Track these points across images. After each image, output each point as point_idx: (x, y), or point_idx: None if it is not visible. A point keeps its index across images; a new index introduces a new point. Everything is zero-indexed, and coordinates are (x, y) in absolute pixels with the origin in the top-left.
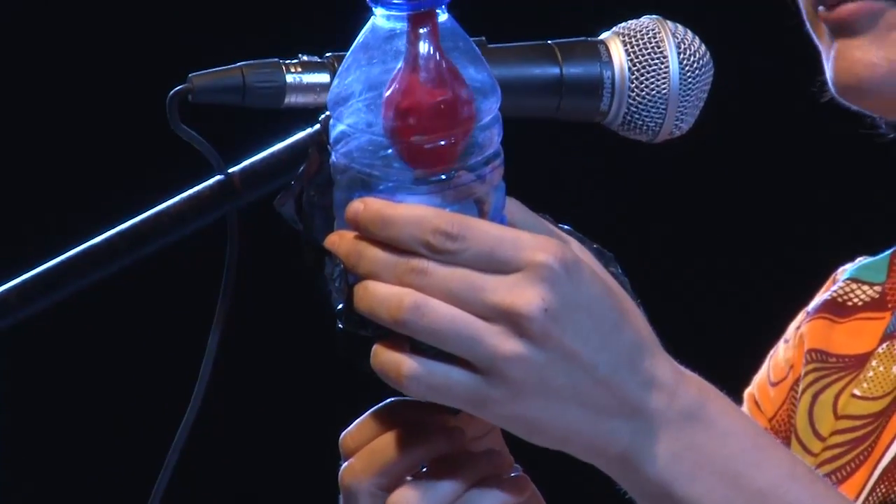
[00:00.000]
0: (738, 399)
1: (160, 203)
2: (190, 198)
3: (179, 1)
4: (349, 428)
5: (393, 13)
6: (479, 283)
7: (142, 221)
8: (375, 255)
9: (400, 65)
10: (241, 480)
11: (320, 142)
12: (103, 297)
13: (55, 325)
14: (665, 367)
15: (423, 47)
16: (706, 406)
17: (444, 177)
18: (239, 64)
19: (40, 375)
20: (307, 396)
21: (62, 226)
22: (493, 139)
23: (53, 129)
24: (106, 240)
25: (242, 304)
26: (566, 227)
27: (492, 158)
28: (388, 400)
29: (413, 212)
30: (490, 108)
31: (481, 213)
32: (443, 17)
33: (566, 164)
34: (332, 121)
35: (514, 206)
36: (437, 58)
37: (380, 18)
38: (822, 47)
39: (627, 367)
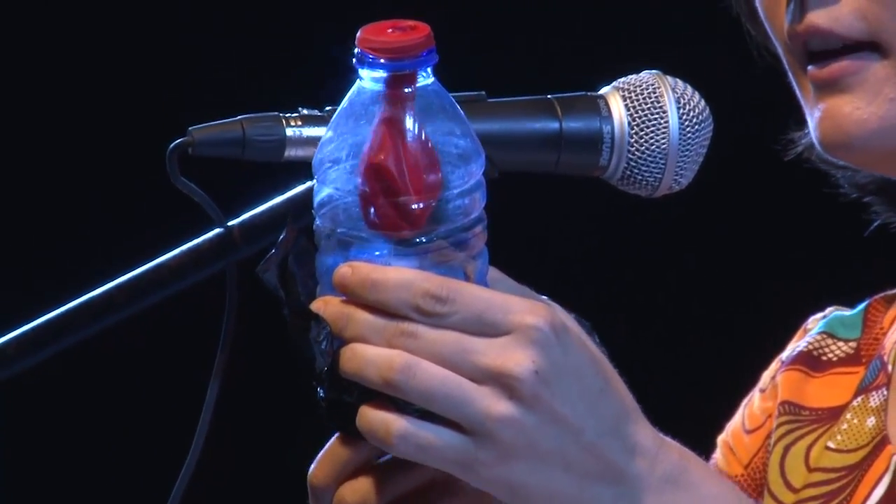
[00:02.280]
0: (712, 445)
1: (160, 256)
2: (189, 251)
3: (180, 52)
4: (314, 465)
5: (377, 73)
6: (470, 346)
7: (141, 274)
8: (364, 319)
9: (375, 127)
10: None
11: (295, 212)
12: (102, 349)
13: (52, 378)
14: (647, 433)
15: (398, 109)
16: (687, 471)
17: (428, 240)
18: (239, 117)
19: (39, 430)
20: (305, 449)
21: (61, 278)
22: (476, 204)
23: (53, 181)
24: (105, 292)
25: (241, 356)
26: (544, 297)
27: (475, 223)
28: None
29: (402, 275)
30: (472, 174)
31: (466, 279)
32: (428, 80)
33: (536, 223)
34: (316, 185)
35: (495, 274)
36: (409, 123)
37: (366, 80)
38: (806, 105)
39: (612, 433)
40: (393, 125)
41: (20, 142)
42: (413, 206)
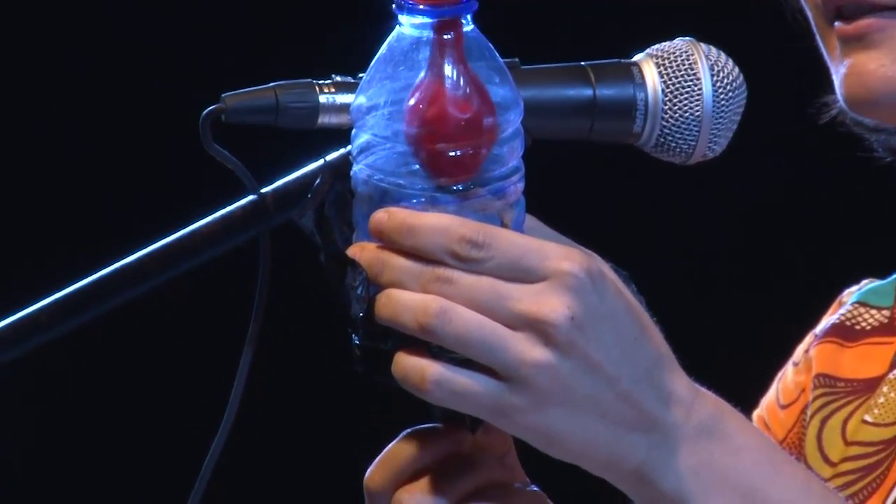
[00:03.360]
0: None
1: (192, 223)
2: (222, 218)
3: (212, 22)
4: (370, 469)
5: (417, 20)
6: (505, 292)
7: (173, 241)
8: (400, 264)
9: (423, 73)
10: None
11: (333, 164)
12: (135, 317)
13: (85, 346)
14: (682, 382)
15: (448, 56)
16: (722, 421)
17: (465, 187)
18: (272, 84)
19: (72, 395)
20: (338, 416)
21: (94, 246)
22: (514, 153)
23: (86, 150)
24: (137, 259)
25: (274, 324)
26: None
27: (513, 172)
28: (404, 432)
29: (438, 221)
30: (512, 122)
31: (503, 227)
32: (468, 27)
33: (572, 185)
34: (354, 131)
35: (533, 223)
36: (461, 67)
37: (405, 27)
38: (831, 62)
39: (647, 381)
40: (444, 72)
41: (54, 107)
42: (459, 153)
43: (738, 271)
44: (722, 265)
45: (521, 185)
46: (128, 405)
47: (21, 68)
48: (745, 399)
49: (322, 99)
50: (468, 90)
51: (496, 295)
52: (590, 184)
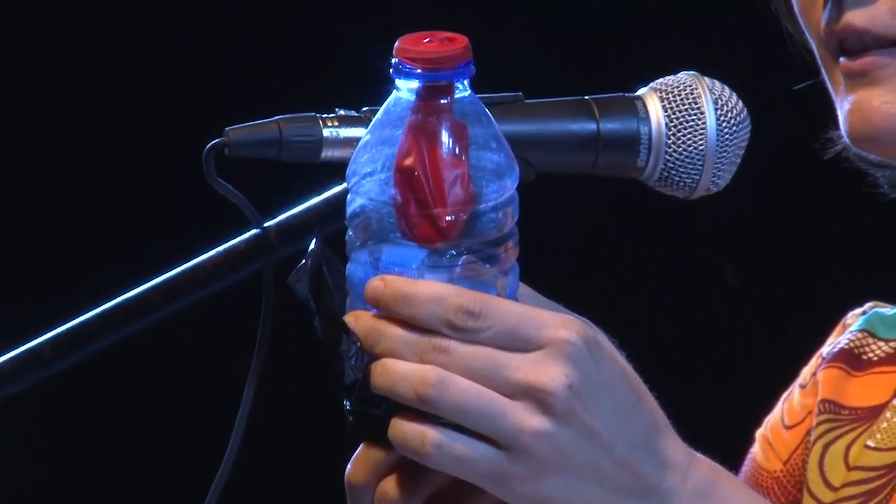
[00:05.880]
0: (748, 440)
1: (196, 257)
2: (225, 252)
3: (219, 56)
4: (351, 464)
5: (409, 84)
6: (503, 361)
7: (177, 275)
8: (396, 334)
9: (408, 136)
10: None
11: (330, 215)
12: (138, 350)
13: (88, 380)
14: (678, 447)
15: (431, 119)
16: (717, 485)
17: (458, 253)
18: (275, 118)
19: (72, 433)
20: (340, 449)
21: (97, 279)
22: (507, 219)
23: (90, 182)
24: (141, 293)
25: (277, 358)
26: (573, 314)
27: (507, 238)
28: None
29: (434, 290)
30: (506, 188)
31: (496, 294)
32: (464, 92)
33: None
34: (349, 195)
35: (524, 290)
36: (443, 134)
37: (402, 91)
38: (836, 97)
39: (644, 447)
40: (424, 134)
41: (57, 143)
42: (445, 218)
43: (744, 290)
44: (726, 287)
45: (515, 251)
46: (130, 439)
47: (24, 118)
48: (751, 420)
49: (326, 133)
50: (446, 156)
51: (493, 364)
52: (589, 219)
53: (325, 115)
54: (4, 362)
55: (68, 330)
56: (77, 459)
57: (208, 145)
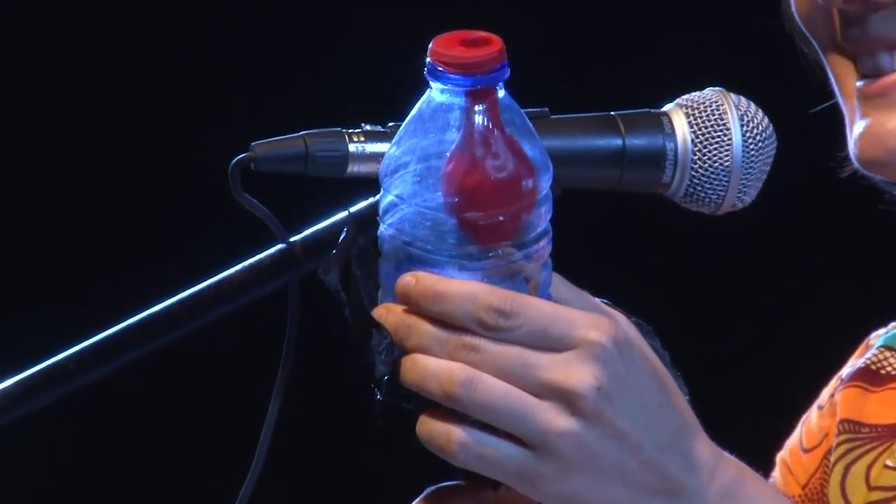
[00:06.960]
0: (769, 463)
1: (222, 271)
2: (251, 266)
3: (243, 69)
4: None
5: (451, 88)
6: (532, 361)
7: (203, 289)
8: (426, 330)
9: (456, 139)
10: None
11: (357, 218)
12: (163, 364)
13: (113, 394)
14: (705, 447)
15: (483, 123)
16: (744, 486)
17: (494, 253)
18: (302, 133)
19: (101, 443)
20: (362, 465)
21: (123, 294)
22: (543, 217)
23: (116, 198)
24: (167, 308)
25: (303, 373)
26: (604, 300)
27: (542, 236)
28: (427, 490)
29: (466, 288)
30: (542, 186)
31: (529, 290)
32: (500, 93)
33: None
34: (382, 191)
35: (557, 281)
36: (497, 133)
37: (436, 92)
38: (849, 117)
39: (672, 447)
40: (480, 138)
41: (86, 158)
42: (502, 219)
43: (766, 309)
44: (749, 304)
45: (548, 248)
46: (154, 454)
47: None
48: (772, 443)
49: (352, 148)
50: (506, 156)
51: (523, 364)
52: (612, 228)
53: (351, 131)
54: (30, 376)
55: (93, 344)
56: (96, 471)
57: (234, 160)
